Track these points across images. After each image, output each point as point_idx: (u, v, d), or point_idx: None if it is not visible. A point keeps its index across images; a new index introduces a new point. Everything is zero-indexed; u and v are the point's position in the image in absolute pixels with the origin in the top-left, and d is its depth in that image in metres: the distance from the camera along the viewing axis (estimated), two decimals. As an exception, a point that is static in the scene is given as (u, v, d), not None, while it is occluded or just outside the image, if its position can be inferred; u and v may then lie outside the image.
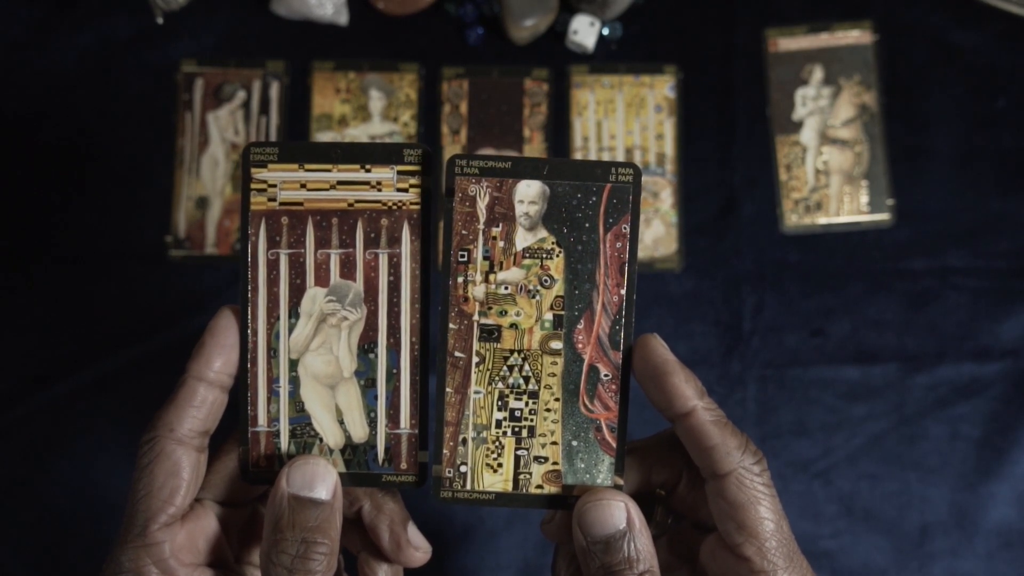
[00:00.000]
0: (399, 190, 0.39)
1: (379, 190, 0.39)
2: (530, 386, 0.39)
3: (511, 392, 0.39)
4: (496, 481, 0.39)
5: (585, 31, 0.73)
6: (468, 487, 0.39)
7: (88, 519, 0.67)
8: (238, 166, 0.73)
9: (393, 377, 0.39)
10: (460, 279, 0.39)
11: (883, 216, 0.73)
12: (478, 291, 0.39)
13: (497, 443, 0.39)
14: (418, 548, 0.41)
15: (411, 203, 0.39)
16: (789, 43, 0.75)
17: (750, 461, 0.37)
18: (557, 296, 0.39)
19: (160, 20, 0.75)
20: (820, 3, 0.76)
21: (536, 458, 0.39)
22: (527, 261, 0.39)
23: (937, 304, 0.71)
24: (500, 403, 0.39)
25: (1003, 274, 0.71)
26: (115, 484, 0.67)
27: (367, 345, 0.39)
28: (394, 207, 0.39)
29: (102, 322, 0.70)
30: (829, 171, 0.74)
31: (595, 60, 0.75)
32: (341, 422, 0.39)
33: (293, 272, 0.39)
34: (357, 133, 0.74)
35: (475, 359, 0.39)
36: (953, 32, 0.75)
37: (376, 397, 0.39)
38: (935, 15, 0.75)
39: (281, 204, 0.39)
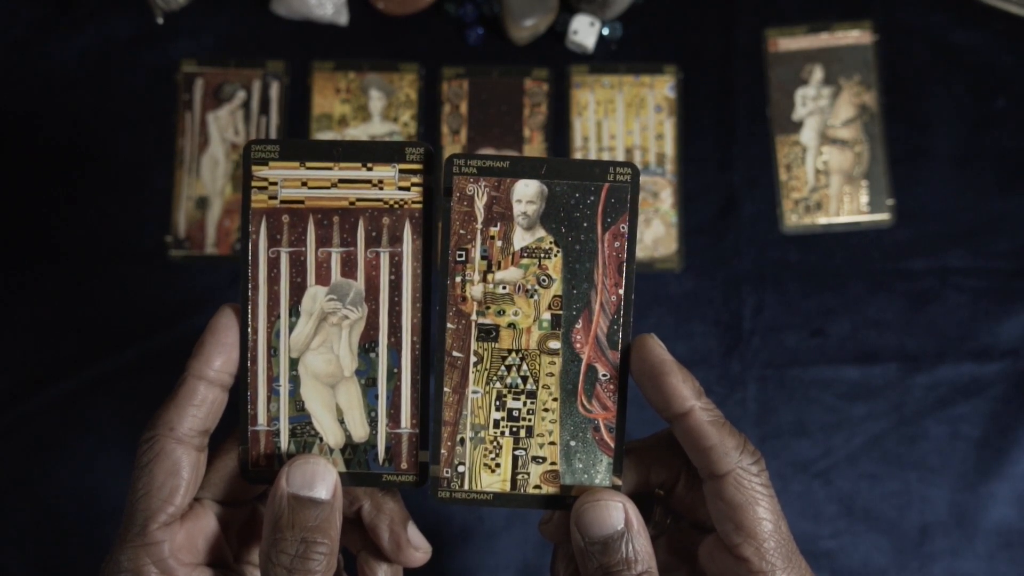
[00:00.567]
0: (401, 188, 0.39)
1: (381, 188, 0.39)
2: (528, 386, 0.39)
3: (509, 392, 0.39)
4: (494, 481, 0.39)
5: (585, 31, 0.73)
6: (466, 487, 0.39)
7: (88, 519, 0.66)
8: (238, 166, 0.73)
9: (394, 376, 0.39)
10: (458, 279, 0.39)
11: (883, 216, 0.73)
12: (476, 291, 0.39)
13: (495, 443, 0.39)
14: (418, 548, 0.41)
15: (413, 202, 0.39)
16: (789, 43, 0.75)
17: (748, 461, 0.37)
18: (555, 296, 0.39)
19: (160, 20, 0.74)
20: (820, 3, 0.76)
21: (534, 458, 0.39)
22: (525, 261, 0.39)
23: (937, 304, 0.71)
24: (498, 403, 0.39)
25: (1003, 274, 0.71)
26: (115, 484, 0.67)
27: (368, 344, 0.39)
28: (396, 206, 0.39)
29: (102, 322, 0.70)
30: (829, 171, 0.74)
31: (595, 60, 0.75)
32: (341, 421, 0.39)
33: (294, 270, 0.39)
34: (357, 133, 0.74)
35: (473, 359, 0.39)
36: (953, 32, 0.75)
37: (377, 396, 0.39)
38: (935, 15, 0.75)
39: (282, 202, 0.39)
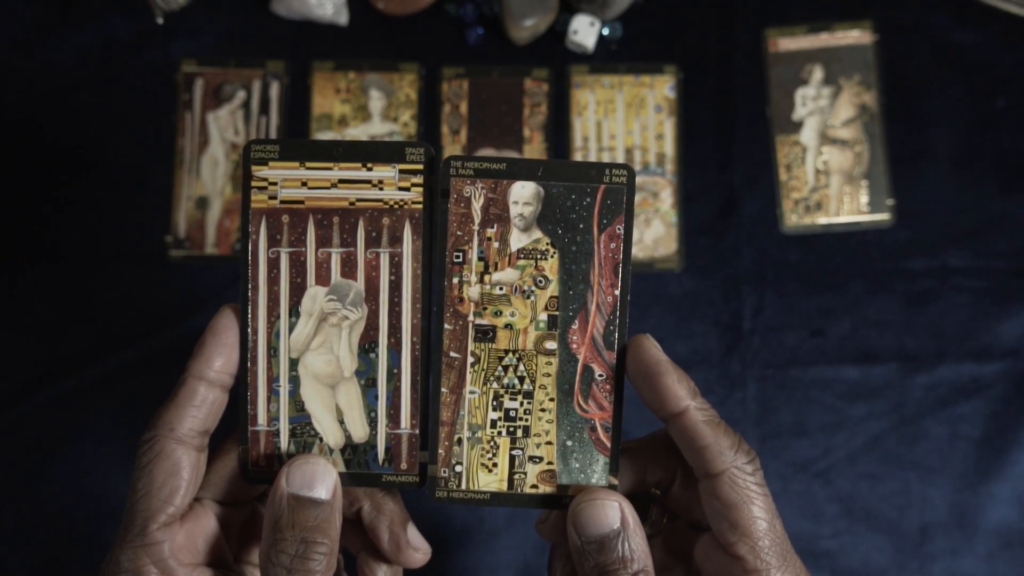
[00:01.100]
0: (401, 189, 0.39)
1: (381, 189, 0.39)
2: (525, 386, 0.39)
3: (506, 392, 0.39)
4: (491, 481, 0.39)
5: (585, 31, 0.73)
6: (463, 487, 0.39)
7: (88, 519, 0.67)
8: (238, 166, 0.73)
9: (394, 377, 0.39)
10: (455, 280, 0.39)
11: (883, 216, 0.73)
12: (473, 292, 0.39)
13: (492, 443, 0.39)
14: (417, 549, 0.41)
15: (413, 202, 0.39)
16: (789, 43, 0.75)
17: (743, 460, 0.37)
18: (552, 297, 0.39)
19: (160, 20, 0.74)
20: (820, 3, 0.76)
21: (531, 458, 0.39)
22: (522, 262, 0.39)
23: (937, 304, 0.71)
24: (495, 403, 0.39)
25: (1003, 274, 0.71)
26: (115, 484, 0.67)
27: (368, 345, 0.39)
28: (396, 206, 0.39)
29: (102, 322, 0.70)
30: (829, 171, 0.74)
31: (595, 60, 0.75)
32: (341, 422, 0.39)
33: (294, 271, 0.39)
34: (357, 133, 0.74)
35: (470, 359, 0.39)
36: (953, 32, 0.75)
37: (377, 397, 0.39)
38: (935, 15, 0.75)
39: (282, 202, 0.39)
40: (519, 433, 0.39)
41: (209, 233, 0.72)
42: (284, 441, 0.39)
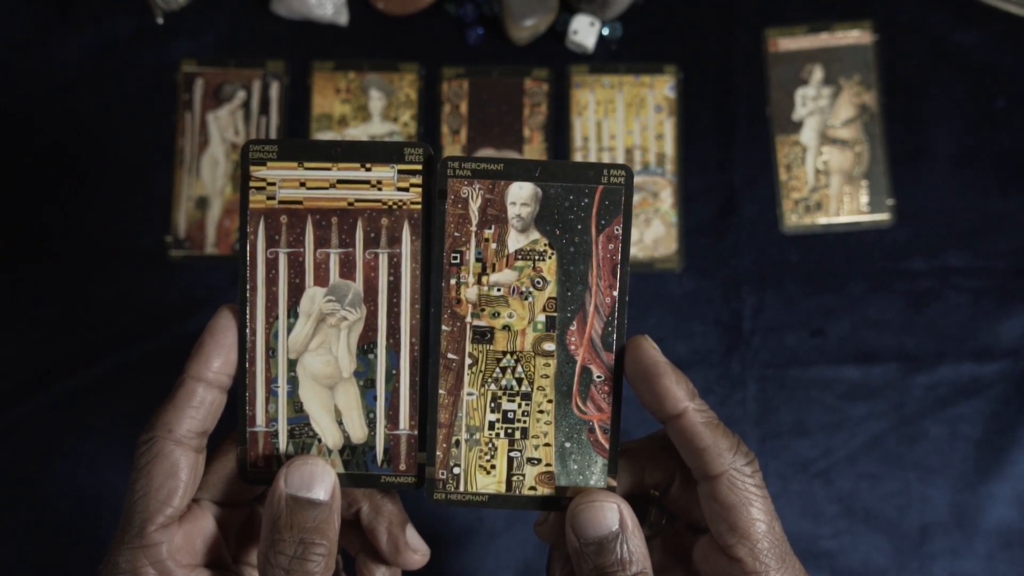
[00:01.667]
0: (400, 189, 0.39)
1: (379, 189, 0.39)
2: (523, 388, 0.39)
3: (504, 394, 0.39)
4: (489, 483, 0.39)
5: (585, 31, 0.73)
6: (461, 489, 0.39)
7: (88, 519, 0.67)
8: (238, 166, 0.73)
9: (392, 378, 0.39)
10: (453, 281, 0.39)
11: (883, 216, 0.73)
12: (471, 293, 0.39)
13: (490, 445, 0.39)
14: (416, 551, 0.41)
15: (412, 202, 0.39)
16: (789, 43, 0.75)
17: (742, 462, 0.37)
18: (550, 298, 0.39)
19: (160, 20, 0.74)
20: (820, 3, 0.76)
21: (529, 460, 0.39)
22: (519, 263, 0.39)
23: (937, 304, 0.70)
24: (493, 405, 0.39)
25: (1003, 274, 0.71)
26: (115, 484, 0.67)
27: (366, 345, 0.39)
28: (394, 206, 0.39)
29: (102, 322, 0.70)
30: (829, 171, 0.74)
31: (595, 60, 0.75)
32: (340, 423, 0.39)
33: (292, 271, 0.39)
34: (357, 133, 0.74)
35: (468, 361, 0.39)
36: (953, 32, 0.75)
37: (375, 398, 0.39)
38: (935, 15, 0.75)
39: (280, 203, 0.39)
40: (517, 435, 0.39)
41: (209, 233, 0.72)
42: (283, 442, 0.39)
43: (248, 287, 0.39)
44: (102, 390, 0.68)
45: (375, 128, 0.74)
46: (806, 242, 0.72)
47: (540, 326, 0.39)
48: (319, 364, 0.39)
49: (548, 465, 0.39)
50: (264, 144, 0.39)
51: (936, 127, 0.74)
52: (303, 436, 0.39)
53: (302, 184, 0.39)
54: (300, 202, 0.39)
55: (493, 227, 0.38)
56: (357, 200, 0.39)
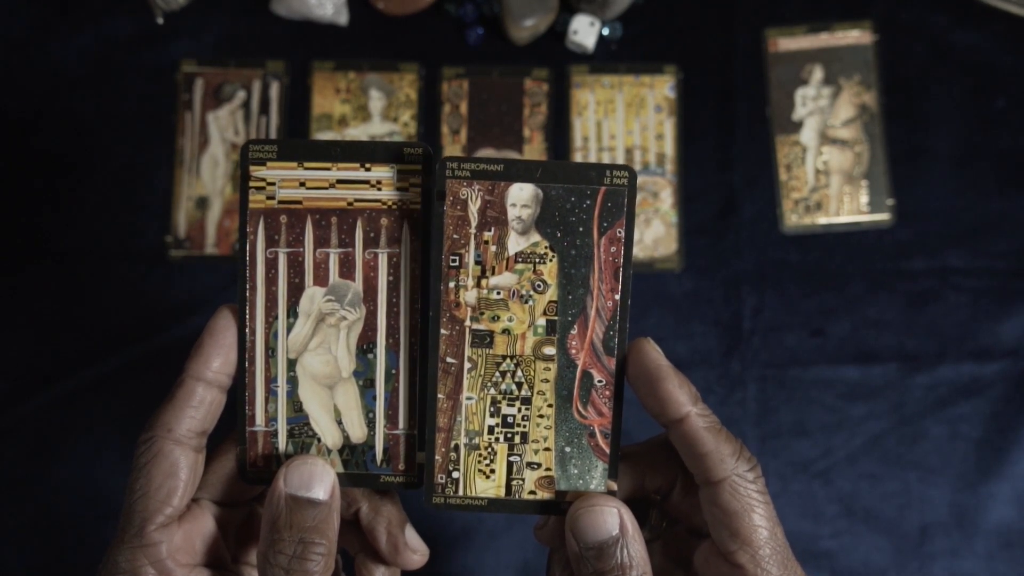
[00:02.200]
0: (399, 189, 0.39)
1: (379, 189, 0.39)
2: (523, 392, 0.39)
3: (503, 398, 0.39)
4: (488, 487, 0.39)
5: (585, 31, 0.73)
6: (460, 493, 0.39)
7: (88, 519, 0.67)
8: (238, 166, 0.73)
9: (392, 378, 0.39)
10: (452, 284, 0.38)
11: (883, 216, 0.72)
12: (470, 296, 0.38)
13: (489, 449, 0.39)
14: (415, 551, 0.41)
15: (411, 202, 0.39)
16: (789, 43, 0.75)
17: (744, 468, 0.36)
18: (550, 301, 0.38)
19: (160, 20, 0.74)
20: (820, 3, 0.76)
21: (529, 464, 0.39)
22: (520, 266, 0.38)
23: (937, 304, 0.70)
24: (492, 409, 0.39)
25: (1003, 274, 0.71)
26: (115, 484, 0.67)
27: (366, 345, 0.39)
28: (394, 206, 0.39)
29: (102, 322, 0.70)
30: (829, 171, 0.74)
31: (595, 60, 0.75)
32: (339, 422, 0.39)
33: (291, 271, 0.39)
34: (357, 133, 0.74)
35: (467, 365, 0.38)
36: (953, 32, 0.75)
37: (375, 398, 0.39)
38: (935, 15, 0.75)
39: (280, 202, 0.39)
40: (517, 439, 0.39)
41: (209, 233, 0.72)
42: (282, 442, 0.39)
43: (248, 287, 0.39)
44: (102, 390, 0.68)
45: (375, 128, 0.74)
46: (806, 242, 0.72)
47: (540, 330, 0.38)
48: (318, 364, 0.39)
49: (548, 469, 0.39)
50: (264, 144, 0.39)
51: (936, 127, 0.74)
52: (302, 436, 0.39)
53: (302, 184, 0.39)
54: (300, 202, 0.39)
55: (493, 229, 0.38)
56: (357, 200, 0.39)
